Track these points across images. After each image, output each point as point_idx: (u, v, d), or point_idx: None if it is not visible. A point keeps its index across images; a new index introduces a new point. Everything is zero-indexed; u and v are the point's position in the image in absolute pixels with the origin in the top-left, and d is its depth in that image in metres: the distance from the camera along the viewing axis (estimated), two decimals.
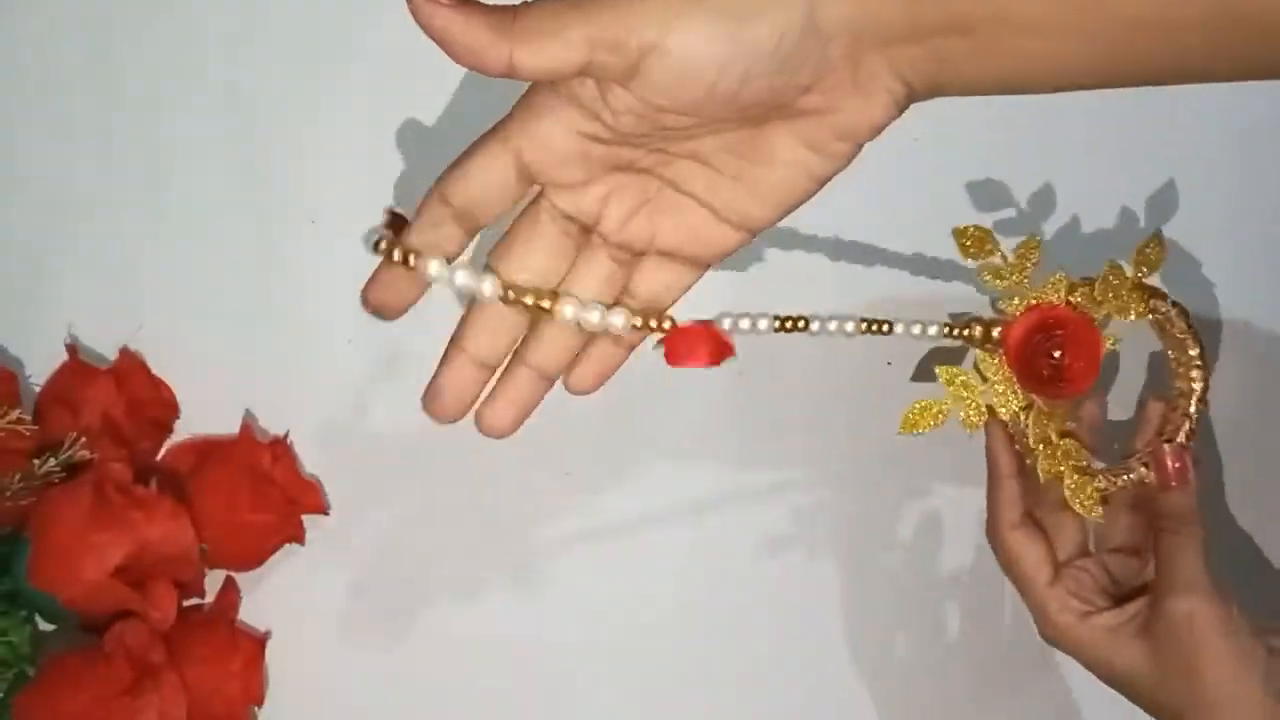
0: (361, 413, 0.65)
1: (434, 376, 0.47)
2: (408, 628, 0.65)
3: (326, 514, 0.64)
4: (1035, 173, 0.66)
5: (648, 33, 0.39)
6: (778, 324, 0.48)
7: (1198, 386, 0.55)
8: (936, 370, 0.54)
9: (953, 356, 0.63)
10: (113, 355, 0.63)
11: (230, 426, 0.63)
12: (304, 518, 0.63)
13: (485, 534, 0.65)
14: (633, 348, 0.48)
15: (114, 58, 0.64)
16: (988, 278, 0.53)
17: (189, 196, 0.64)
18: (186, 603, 0.61)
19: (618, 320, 0.45)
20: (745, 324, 0.48)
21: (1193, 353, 0.55)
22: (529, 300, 0.45)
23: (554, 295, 0.45)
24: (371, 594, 0.65)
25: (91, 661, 0.56)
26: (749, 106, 0.41)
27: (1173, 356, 0.56)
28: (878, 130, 0.42)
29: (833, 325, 0.49)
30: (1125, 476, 0.55)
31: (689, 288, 0.47)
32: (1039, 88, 0.41)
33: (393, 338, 0.64)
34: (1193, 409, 0.55)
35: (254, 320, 0.64)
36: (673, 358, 0.47)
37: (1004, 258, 0.54)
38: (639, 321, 0.45)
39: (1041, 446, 0.53)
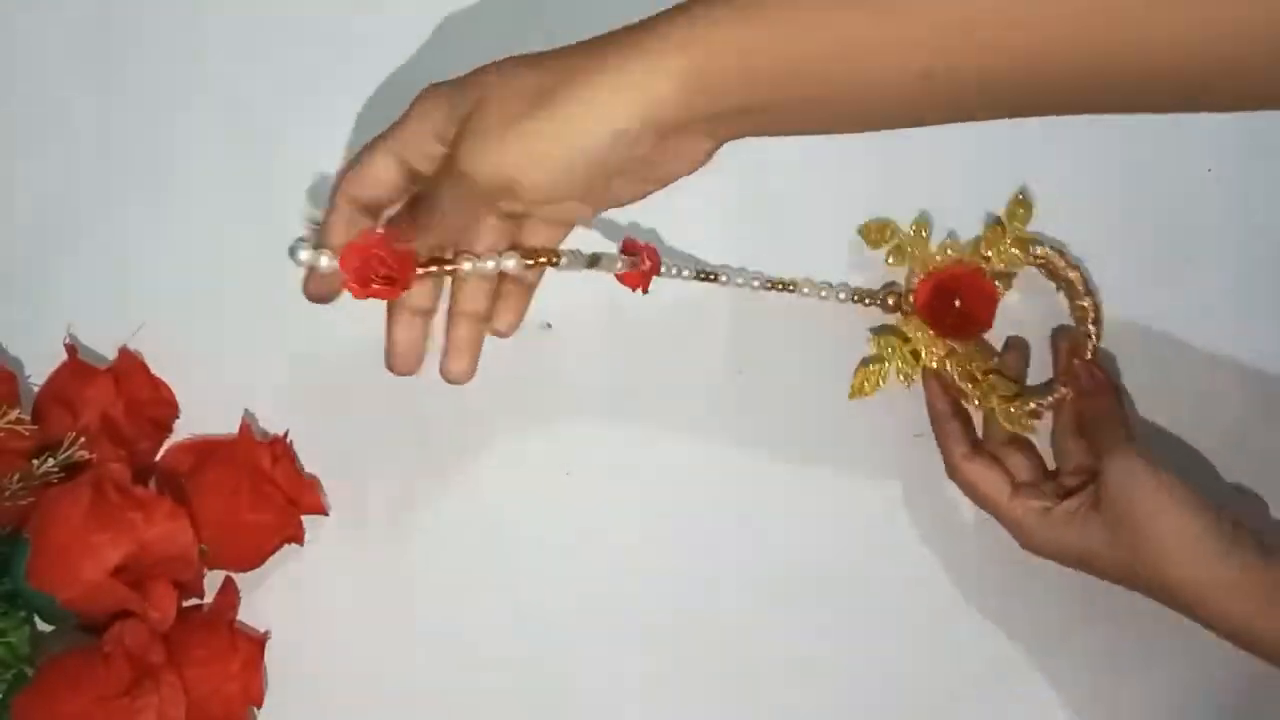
0: (361, 412, 0.65)
1: (387, 338, 0.56)
2: (407, 628, 0.65)
3: (326, 514, 0.63)
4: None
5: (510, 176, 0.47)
6: (700, 275, 0.62)
7: (1090, 309, 0.63)
8: (868, 339, 0.64)
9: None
10: (112, 355, 0.63)
11: (230, 426, 0.63)
12: (304, 518, 0.62)
13: (485, 534, 0.65)
14: (533, 287, 0.58)
15: (114, 58, 0.64)
16: (891, 260, 0.65)
17: (189, 196, 0.64)
18: (186, 603, 0.60)
19: (510, 263, 0.54)
20: (674, 270, 0.61)
21: (1079, 284, 0.63)
22: (434, 269, 0.53)
23: (456, 256, 0.54)
24: (371, 594, 0.65)
25: (90, 662, 0.56)
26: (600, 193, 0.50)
27: (1064, 290, 0.64)
28: (694, 170, 0.50)
29: (740, 280, 0.63)
30: (1049, 397, 0.62)
31: (566, 236, 0.55)
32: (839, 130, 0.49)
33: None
34: (1091, 329, 0.63)
35: (254, 320, 0.64)
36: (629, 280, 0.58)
37: (902, 237, 0.64)
38: (530, 261, 0.54)
39: (970, 385, 0.63)
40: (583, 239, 0.57)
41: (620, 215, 0.64)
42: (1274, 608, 0.56)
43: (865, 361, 0.65)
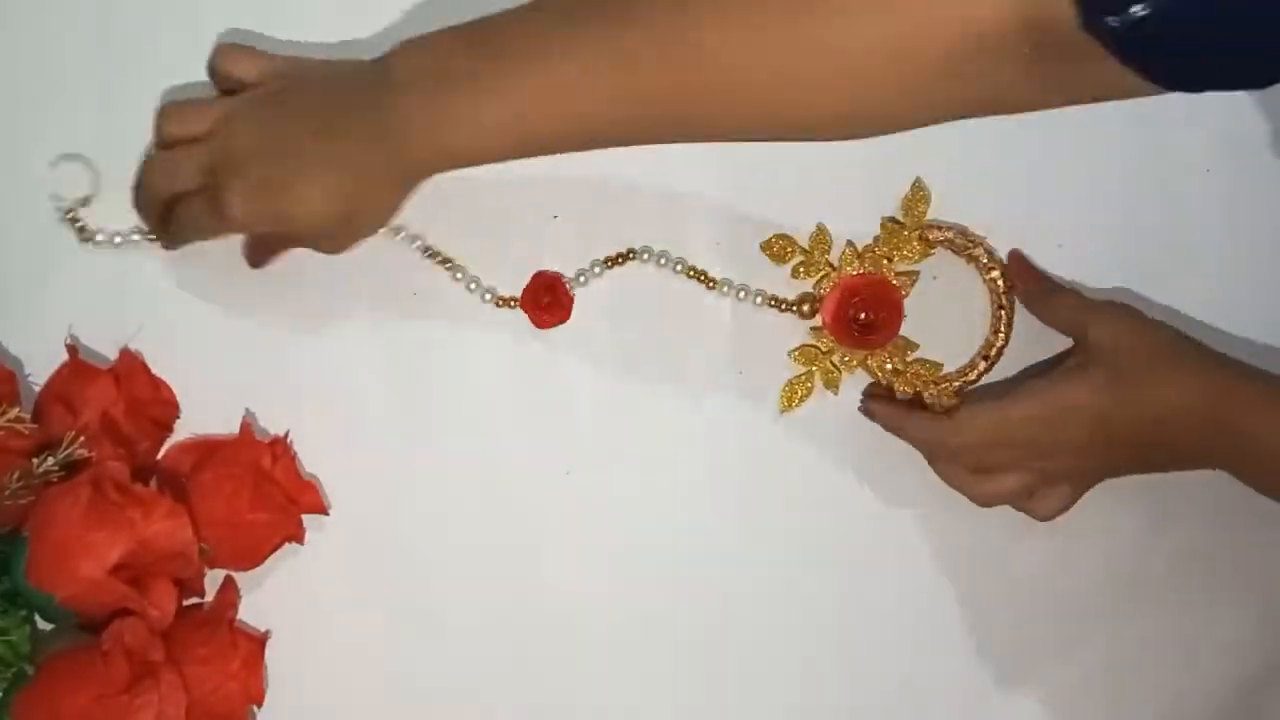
0: (361, 412, 0.65)
1: None
2: (407, 627, 0.65)
3: (326, 514, 0.63)
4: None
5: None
6: (607, 262, 0.65)
7: (999, 278, 0.65)
8: (788, 354, 0.66)
9: None
10: (113, 355, 0.63)
11: (230, 426, 0.63)
12: (304, 517, 0.62)
13: (485, 533, 0.65)
14: None
15: (114, 57, 0.64)
16: (797, 274, 0.65)
17: None
18: (186, 602, 0.60)
19: None
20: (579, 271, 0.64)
21: (984, 258, 0.65)
22: None
23: None
24: (371, 593, 0.65)
25: (90, 660, 0.56)
26: None
27: (974, 266, 0.66)
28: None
29: (662, 261, 0.65)
30: (973, 372, 0.65)
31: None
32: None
33: (393, 337, 0.65)
34: (1004, 300, 0.65)
35: (254, 320, 0.64)
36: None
37: (804, 251, 0.65)
38: None
39: (895, 378, 0.65)
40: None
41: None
42: None
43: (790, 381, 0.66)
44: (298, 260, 0.63)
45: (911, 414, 0.64)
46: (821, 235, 0.65)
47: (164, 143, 0.60)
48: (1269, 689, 0.66)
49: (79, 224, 0.63)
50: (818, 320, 0.65)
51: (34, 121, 0.64)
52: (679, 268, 0.65)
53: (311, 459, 0.64)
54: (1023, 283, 0.65)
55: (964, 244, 0.65)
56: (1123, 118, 0.63)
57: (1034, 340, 0.65)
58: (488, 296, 0.64)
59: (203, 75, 0.62)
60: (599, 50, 0.51)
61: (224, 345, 0.64)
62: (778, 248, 0.65)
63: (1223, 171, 0.67)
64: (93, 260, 0.64)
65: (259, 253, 0.63)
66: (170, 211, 0.59)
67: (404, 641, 0.65)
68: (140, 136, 0.62)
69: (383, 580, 0.65)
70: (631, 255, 0.65)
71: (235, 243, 0.64)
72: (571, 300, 0.64)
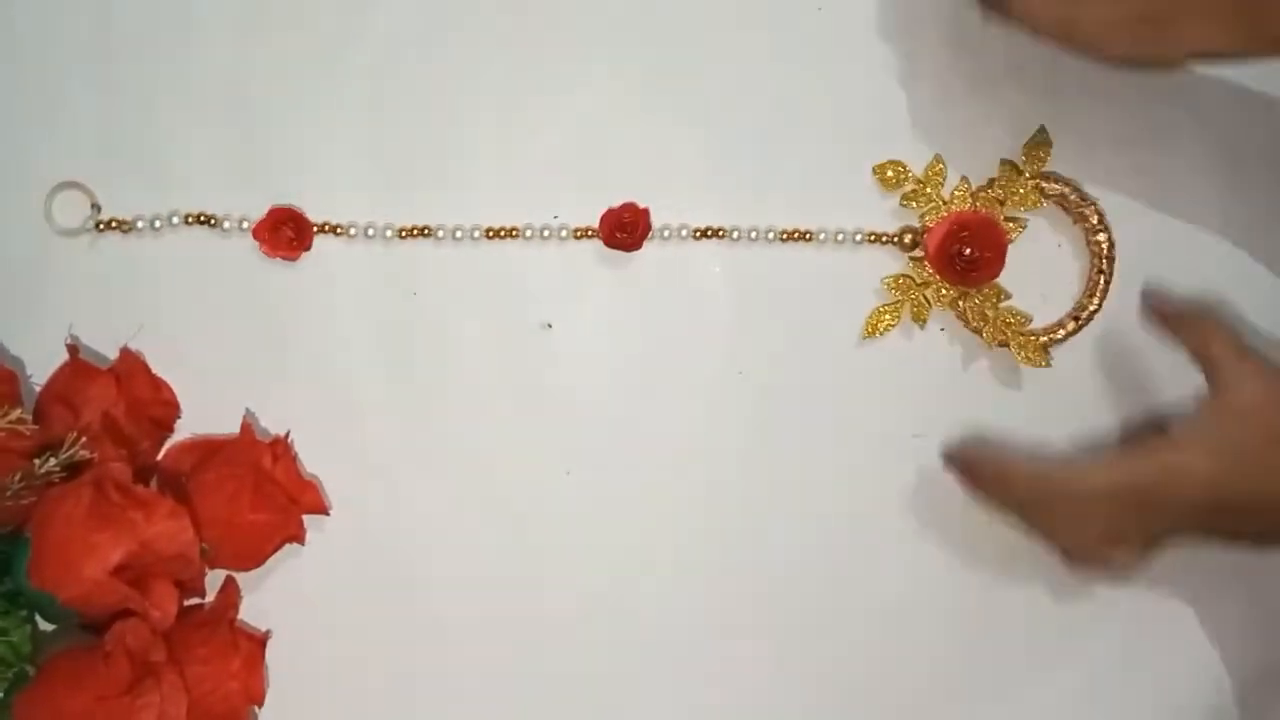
0: (361, 412, 0.65)
1: None
2: (408, 627, 0.65)
3: (327, 514, 0.64)
4: None
5: None
6: (697, 233, 0.65)
7: (1104, 244, 0.64)
8: (881, 281, 0.65)
9: None
10: (113, 355, 0.63)
11: (230, 426, 0.63)
12: (304, 518, 0.62)
13: (486, 533, 0.65)
14: None
15: (114, 58, 0.64)
16: (906, 202, 0.65)
17: (188, 196, 0.64)
18: (187, 602, 0.60)
19: None
20: (669, 233, 0.64)
21: (1094, 219, 0.64)
22: None
23: None
24: (372, 594, 0.65)
25: (92, 661, 0.56)
26: None
27: (1080, 226, 0.65)
28: None
29: (753, 235, 0.65)
30: (1060, 331, 0.64)
31: None
32: None
33: (394, 338, 0.65)
34: (1104, 265, 0.64)
35: (254, 320, 0.64)
36: None
37: (917, 181, 0.64)
38: None
39: (983, 323, 0.64)
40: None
41: (615, 183, 0.65)
42: None
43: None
44: (299, 262, 0.64)
45: (1006, 466, 0.60)
46: (937, 166, 0.65)
47: None
48: (1269, 689, 0.66)
49: (105, 222, 0.63)
50: (918, 253, 0.65)
51: (32, 126, 0.64)
52: (771, 235, 0.65)
53: (312, 459, 0.64)
54: (1163, 306, 0.61)
55: (1076, 202, 0.64)
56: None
57: (1127, 311, 0.64)
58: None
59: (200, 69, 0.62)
60: None
61: (224, 345, 0.64)
62: (891, 174, 0.65)
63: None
64: (92, 261, 0.64)
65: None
66: None
67: (404, 641, 0.65)
68: (139, 130, 0.62)
69: (383, 580, 0.65)
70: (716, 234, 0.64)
71: (234, 244, 0.64)
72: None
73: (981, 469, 0.61)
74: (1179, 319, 0.60)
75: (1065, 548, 0.59)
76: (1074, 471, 0.58)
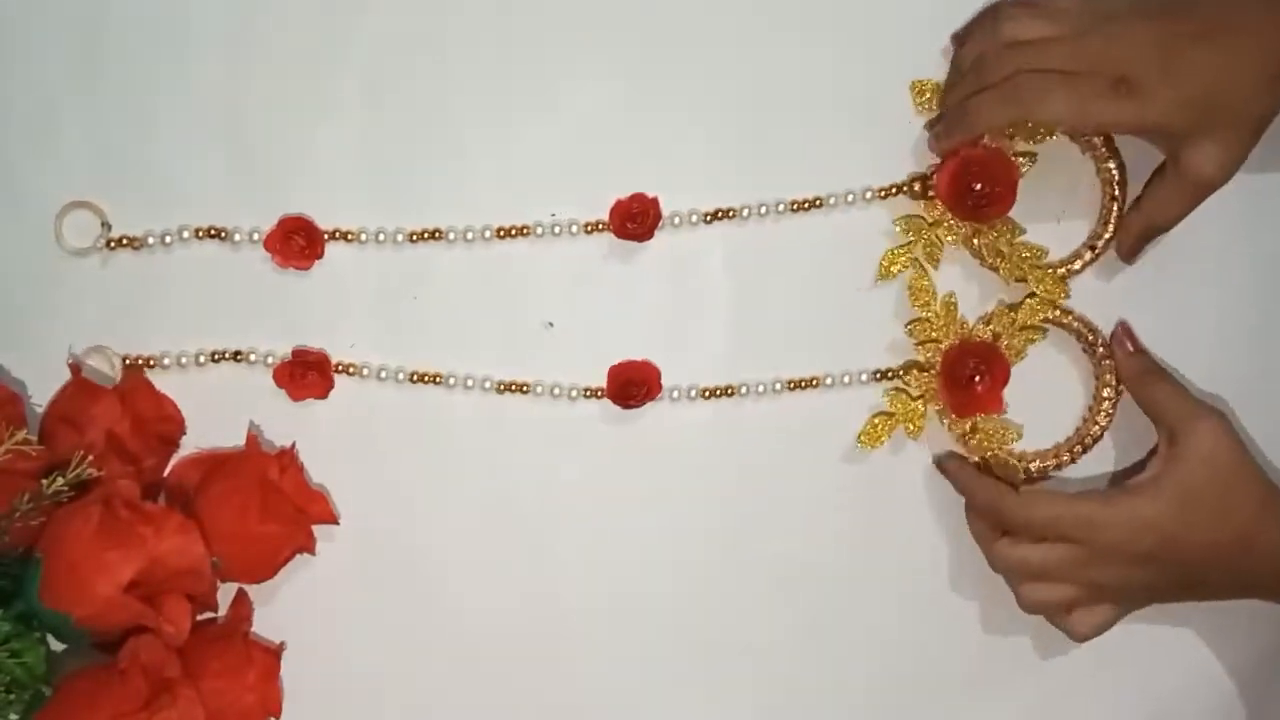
0: (366, 420, 0.65)
1: None
2: (421, 635, 0.65)
3: (336, 523, 0.63)
4: None
5: None
6: (708, 216, 0.64)
7: (1115, 170, 0.64)
8: (894, 222, 0.64)
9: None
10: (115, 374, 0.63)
11: (236, 440, 0.63)
12: (314, 528, 0.62)
13: (496, 540, 0.65)
14: None
15: (109, 76, 0.64)
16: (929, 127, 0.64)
17: (191, 211, 0.64)
18: (200, 617, 0.60)
19: None
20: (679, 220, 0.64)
21: (1103, 148, 0.63)
22: None
23: None
24: (385, 602, 0.65)
25: (107, 679, 0.56)
26: None
27: (1090, 155, 0.64)
28: None
29: (763, 210, 0.64)
30: (1077, 262, 0.64)
31: None
32: None
33: (396, 343, 0.65)
34: (1116, 192, 0.64)
35: (257, 329, 0.64)
36: None
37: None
38: None
39: (999, 259, 0.64)
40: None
41: (622, 173, 0.65)
42: None
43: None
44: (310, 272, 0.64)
45: (980, 477, 0.63)
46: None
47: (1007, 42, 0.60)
48: (1269, 689, 0.67)
49: (116, 240, 0.63)
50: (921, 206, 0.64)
51: (33, 149, 0.64)
52: (782, 207, 0.64)
53: (319, 469, 0.64)
54: (1125, 351, 0.64)
55: (1091, 139, 0.64)
56: None
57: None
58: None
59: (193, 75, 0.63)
60: None
61: (226, 357, 0.64)
62: (926, 89, 0.64)
63: None
64: (92, 281, 0.64)
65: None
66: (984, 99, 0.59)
67: (418, 649, 0.65)
68: (139, 148, 0.63)
69: (396, 588, 0.65)
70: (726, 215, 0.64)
71: (236, 252, 0.64)
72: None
73: (959, 480, 0.63)
74: (1130, 373, 0.63)
75: (1015, 589, 0.62)
76: (1026, 496, 0.61)
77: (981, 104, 0.60)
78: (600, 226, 0.64)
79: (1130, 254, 0.63)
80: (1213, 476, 0.58)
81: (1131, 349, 0.64)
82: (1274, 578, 0.57)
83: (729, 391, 0.65)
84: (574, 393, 0.65)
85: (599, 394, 0.64)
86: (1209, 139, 0.57)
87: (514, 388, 0.64)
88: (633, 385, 0.64)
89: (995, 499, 0.62)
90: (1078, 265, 0.64)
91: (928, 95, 0.64)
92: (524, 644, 0.66)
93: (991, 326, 0.65)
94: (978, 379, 0.64)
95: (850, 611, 0.66)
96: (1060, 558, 0.60)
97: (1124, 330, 0.64)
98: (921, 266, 0.65)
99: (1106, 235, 0.64)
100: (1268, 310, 0.66)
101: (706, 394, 0.65)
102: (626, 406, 0.64)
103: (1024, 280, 0.64)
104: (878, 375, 0.65)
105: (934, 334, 0.65)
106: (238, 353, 0.64)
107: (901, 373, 0.65)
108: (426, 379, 0.64)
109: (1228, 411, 0.62)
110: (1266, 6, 0.56)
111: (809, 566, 0.66)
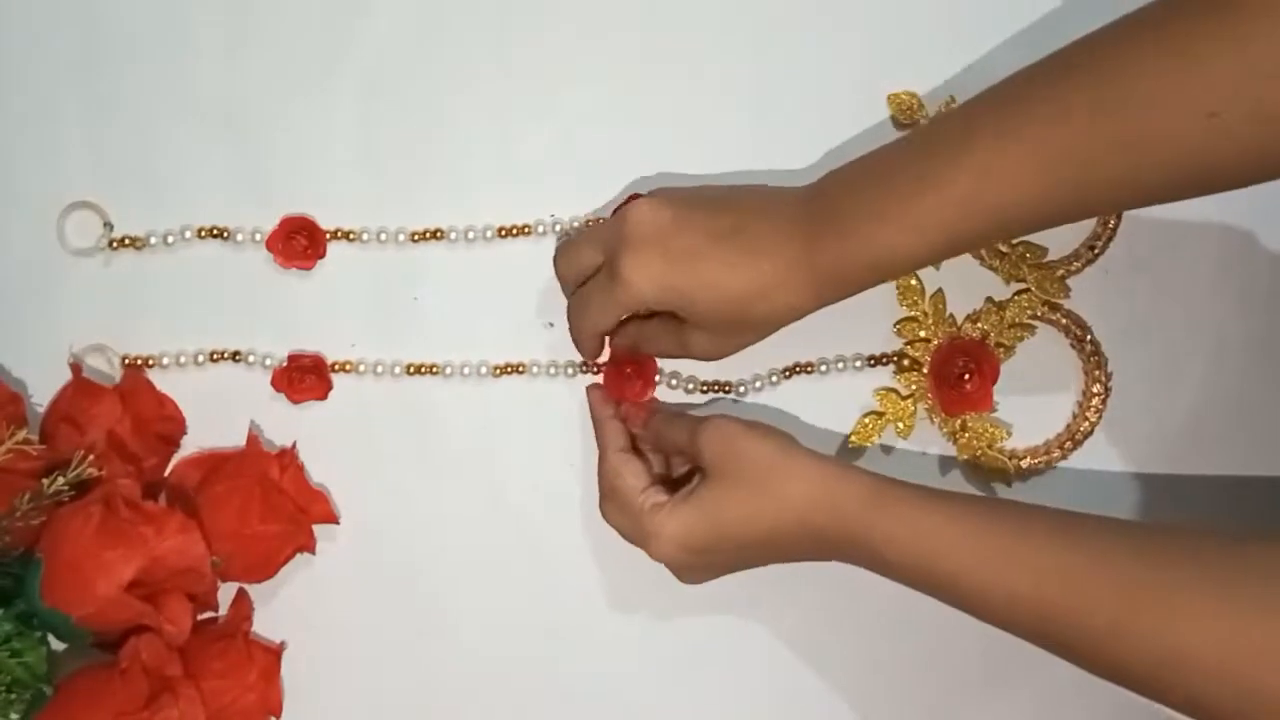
0: (366, 420, 0.65)
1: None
2: (422, 633, 0.65)
3: (337, 523, 0.64)
4: None
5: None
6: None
7: None
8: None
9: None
10: (115, 373, 0.63)
11: (237, 439, 0.63)
12: (315, 527, 0.62)
13: (497, 538, 0.65)
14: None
15: (108, 77, 0.64)
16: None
17: (193, 211, 0.64)
18: (200, 616, 0.61)
19: None
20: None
21: None
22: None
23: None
24: (385, 601, 0.65)
25: (108, 678, 0.56)
26: None
27: None
28: None
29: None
30: (1076, 262, 0.65)
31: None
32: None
33: (396, 343, 0.65)
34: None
35: (258, 329, 0.64)
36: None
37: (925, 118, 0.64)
38: None
39: (998, 260, 0.65)
40: None
41: (622, 173, 0.65)
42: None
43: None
44: (312, 271, 0.64)
45: (609, 422, 0.63)
46: (952, 102, 0.64)
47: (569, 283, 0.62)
48: None
49: (119, 240, 0.63)
50: None
51: (33, 149, 0.64)
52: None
53: (319, 468, 0.64)
54: (632, 419, 0.64)
55: None
56: None
57: (1143, 232, 0.64)
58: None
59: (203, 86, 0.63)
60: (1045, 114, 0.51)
61: (226, 357, 0.64)
62: (904, 101, 0.64)
63: None
64: (94, 281, 0.64)
65: (624, 343, 0.63)
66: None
67: (419, 648, 0.65)
68: (140, 148, 0.63)
69: (396, 587, 0.65)
70: None
71: (236, 253, 0.64)
72: None
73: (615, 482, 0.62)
74: (652, 435, 0.63)
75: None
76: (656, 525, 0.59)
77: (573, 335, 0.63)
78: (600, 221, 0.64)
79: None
80: (738, 463, 0.58)
81: (637, 416, 0.64)
82: (824, 545, 0.58)
83: (724, 388, 0.65)
84: (570, 370, 0.65)
85: (595, 369, 0.65)
86: (700, 332, 0.59)
87: (510, 369, 0.65)
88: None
89: (602, 450, 0.62)
90: (1076, 266, 0.65)
91: (906, 108, 0.64)
92: (524, 643, 0.66)
93: (980, 324, 0.65)
94: (967, 377, 0.64)
95: (848, 607, 0.66)
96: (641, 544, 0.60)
97: (627, 409, 0.64)
98: None
99: (1106, 235, 0.64)
100: (1267, 313, 0.66)
101: (704, 388, 0.65)
102: (620, 401, 0.64)
103: (1023, 280, 0.65)
104: (872, 361, 0.65)
105: (923, 332, 0.65)
106: (236, 353, 0.64)
107: (896, 358, 0.65)
108: (423, 370, 0.65)
109: (1227, 410, 0.62)
110: (791, 231, 0.56)
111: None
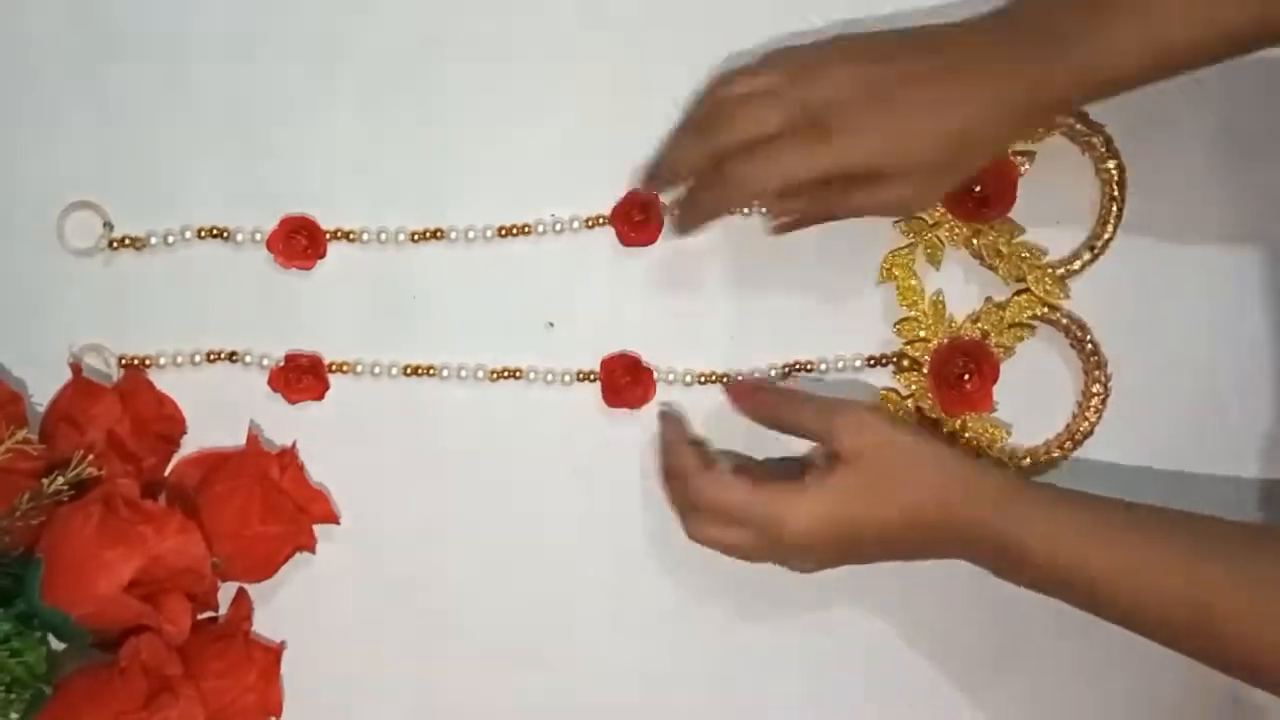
0: (365, 419, 0.65)
1: None
2: (422, 633, 0.65)
3: (337, 523, 0.64)
4: None
5: None
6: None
7: (1115, 170, 0.64)
8: (893, 224, 0.65)
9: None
10: (115, 373, 0.63)
11: (236, 439, 0.63)
12: (315, 527, 0.63)
13: (497, 537, 0.65)
14: None
15: (111, 78, 0.64)
16: None
17: (190, 209, 0.64)
18: (200, 616, 0.61)
19: None
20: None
21: (1102, 148, 0.64)
22: None
23: None
24: (385, 602, 0.65)
25: (108, 678, 0.56)
26: None
27: (1089, 156, 0.64)
28: None
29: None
30: (1076, 263, 0.64)
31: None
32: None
33: (398, 346, 0.65)
34: (1116, 193, 0.64)
35: (258, 329, 0.64)
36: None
37: None
38: None
39: (998, 260, 0.64)
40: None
41: (622, 173, 0.65)
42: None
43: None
44: (298, 269, 0.64)
45: (684, 445, 0.62)
46: None
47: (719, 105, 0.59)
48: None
49: (119, 240, 0.63)
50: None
51: (34, 149, 0.64)
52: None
53: (318, 469, 0.64)
54: (747, 400, 0.63)
55: (1083, 131, 0.64)
56: None
57: (1143, 233, 0.65)
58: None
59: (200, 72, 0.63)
60: None
61: (223, 358, 0.64)
62: None
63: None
64: (95, 281, 0.64)
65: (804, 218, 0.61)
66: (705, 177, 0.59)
67: (418, 647, 0.65)
68: (136, 141, 0.63)
69: (396, 588, 0.65)
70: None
71: (234, 253, 0.64)
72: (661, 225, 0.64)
73: (672, 457, 0.62)
74: (762, 414, 0.62)
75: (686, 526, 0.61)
76: (716, 474, 0.60)
77: (704, 201, 0.60)
78: (600, 221, 0.65)
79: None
80: (876, 458, 0.57)
81: (748, 393, 0.63)
82: (956, 540, 0.57)
83: (725, 380, 0.65)
84: (567, 377, 0.65)
85: (592, 377, 0.65)
86: (904, 181, 0.57)
87: (508, 374, 0.65)
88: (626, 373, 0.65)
89: (689, 473, 0.61)
90: (1077, 265, 0.65)
91: None
92: (524, 642, 0.66)
93: (980, 324, 0.65)
94: (967, 377, 0.64)
95: (851, 599, 0.66)
96: (750, 544, 0.59)
97: (732, 389, 0.63)
98: (909, 267, 0.65)
99: (1106, 235, 0.64)
100: (1267, 310, 0.66)
101: (703, 379, 0.65)
102: (619, 404, 0.64)
103: (1023, 280, 0.64)
104: (872, 361, 0.65)
105: (922, 332, 0.65)
106: (233, 353, 0.64)
107: (896, 358, 0.65)
108: (421, 371, 0.64)
109: (1227, 410, 0.63)
110: (996, 54, 0.56)
111: None
